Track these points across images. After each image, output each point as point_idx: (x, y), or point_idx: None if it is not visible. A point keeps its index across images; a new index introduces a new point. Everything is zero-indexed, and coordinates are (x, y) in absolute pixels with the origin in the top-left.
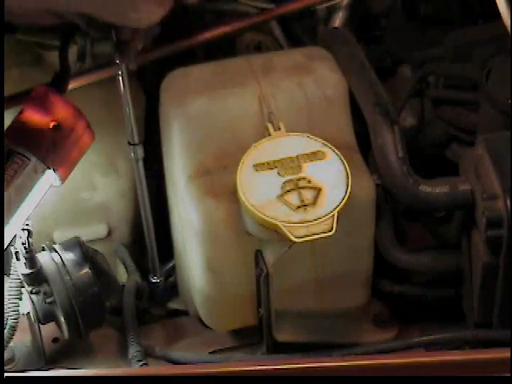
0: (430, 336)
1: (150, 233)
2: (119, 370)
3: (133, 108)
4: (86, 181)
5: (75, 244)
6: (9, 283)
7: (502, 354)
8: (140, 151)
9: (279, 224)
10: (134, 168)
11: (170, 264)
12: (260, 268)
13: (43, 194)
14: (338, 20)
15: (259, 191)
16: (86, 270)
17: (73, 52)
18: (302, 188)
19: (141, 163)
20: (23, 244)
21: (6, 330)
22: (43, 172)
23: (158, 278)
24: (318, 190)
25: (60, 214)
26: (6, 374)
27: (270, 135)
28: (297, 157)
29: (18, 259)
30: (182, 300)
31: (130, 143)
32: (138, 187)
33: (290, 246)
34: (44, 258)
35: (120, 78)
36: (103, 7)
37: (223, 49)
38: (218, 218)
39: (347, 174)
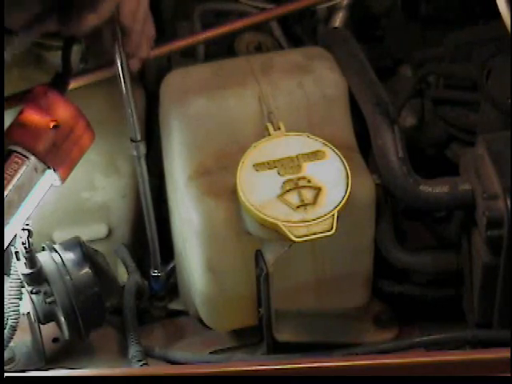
0: (430, 336)
1: (152, 225)
2: (119, 369)
3: (134, 104)
4: (86, 181)
5: (75, 244)
6: (9, 283)
7: (502, 354)
8: (142, 148)
9: (279, 224)
10: (136, 165)
11: (171, 265)
12: (260, 268)
13: (43, 194)
14: (338, 20)
15: (259, 191)
16: (86, 269)
17: (74, 52)
18: (302, 188)
19: (143, 160)
20: (23, 244)
21: (6, 330)
22: (43, 172)
23: (159, 272)
24: (318, 190)
25: (60, 214)
26: (6, 374)
27: (269, 135)
28: (297, 156)
29: (18, 259)
30: (182, 300)
31: (132, 140)
32: (139, 183)
33: (290, 245)
34: (44, 258)
35: (120, 72)
36: None
37: (223, 49)
38: (218, 218)
39: (347, 173)
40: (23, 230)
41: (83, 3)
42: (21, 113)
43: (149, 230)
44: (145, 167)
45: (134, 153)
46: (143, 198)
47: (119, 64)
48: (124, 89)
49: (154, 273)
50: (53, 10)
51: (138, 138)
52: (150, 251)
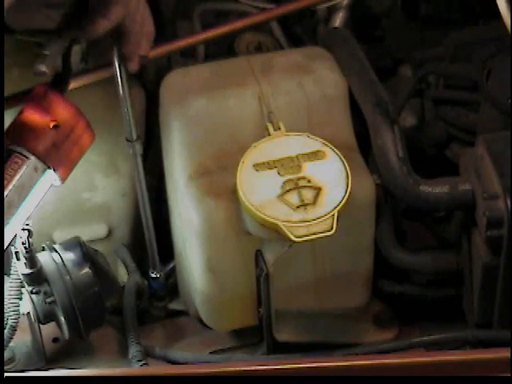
0: (430, 336)
1: (149, 226)
2: (119, 369)
3: (131, 104)
4: (86, 181)
5: (75, 244)
6: (9, 283)
7: (502, 353)
8: (138, 147)
9: (279, 224)
10: (132, 164)
11: (171, 265)
12: (260, 268)
13: (43, 194)
14: (338, 20)
15: (259, 191)
16: (87, 269)
17: (74, 52)
18: (302, 188)
19: (139, 159)
20: (23, 244)
21: (6, 330)
22: (43, 172)
23: (157, 273)
24: (318, 190)
25: (60, 214)
26: (6, 374)
27: (269, 135)
28: (297, 156)
29: (18, 259)
30: (182, 300)
31: (128, 140)
32: (136, 183)
33: (290, 245)
34: (44, 258)
35: (117, 71)
36: None
37: (223, 49)
38: (218, 218)
39: (347, 173)
40: (23, 229)
41: (95, 9)
42: (21, 113)
43: (146, 230)
44: (141, 166)
45: (130, 152)
46: (140, 198)
47: (116, 64)
48: (121, 88)
49: (153, 273)
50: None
51: (134, 137)
52: (148, 252)
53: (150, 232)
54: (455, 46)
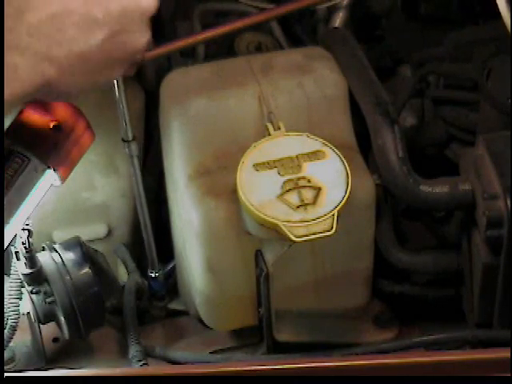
0: (430, 336)
1: (147, 226)
2: (119, 369)
3: (127, 104)
4: (85, 180)
5: (75, 244)
6: (9, 283)
7: (502, 353)
8: (134, 147)
9: (279, 223)
10: (130, 164)
11: (170, 265)
12: (260, 268)
13: (43, 194)
14: (338, 20)
15: (259, 191)
16: (87, 269)
17: None
18: (302, 187)
19: (136, 159)
20: (23, 244)
21: (6, 330)
22: (43, 172)
23: (156, 272)
24: (318, 190)
25: (60, 214)
26: (6, 374)
27: (269, 135)
28: (297, 156)
29: (18, 259)
30: (182, 300)
31: (123, 140)
32: (133, 183)
33: (290, 245)
34: (44, 258)
35: None
36: None
37: (223, 49)
38: (218, 217)
39: (347, 173)
40: (23, 229)
41: None
42: (21, 113)
43: (144, 230)
44: (138, 167)
45: (127, 152)
46: (137, 198)
47: None
48: (116, 89)
49: (152, 273)
50: None
51: (130, 137)
52: (147, 252)
53: (148, 232)
54: (455, 46)
